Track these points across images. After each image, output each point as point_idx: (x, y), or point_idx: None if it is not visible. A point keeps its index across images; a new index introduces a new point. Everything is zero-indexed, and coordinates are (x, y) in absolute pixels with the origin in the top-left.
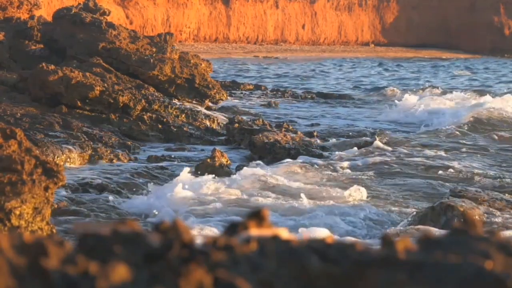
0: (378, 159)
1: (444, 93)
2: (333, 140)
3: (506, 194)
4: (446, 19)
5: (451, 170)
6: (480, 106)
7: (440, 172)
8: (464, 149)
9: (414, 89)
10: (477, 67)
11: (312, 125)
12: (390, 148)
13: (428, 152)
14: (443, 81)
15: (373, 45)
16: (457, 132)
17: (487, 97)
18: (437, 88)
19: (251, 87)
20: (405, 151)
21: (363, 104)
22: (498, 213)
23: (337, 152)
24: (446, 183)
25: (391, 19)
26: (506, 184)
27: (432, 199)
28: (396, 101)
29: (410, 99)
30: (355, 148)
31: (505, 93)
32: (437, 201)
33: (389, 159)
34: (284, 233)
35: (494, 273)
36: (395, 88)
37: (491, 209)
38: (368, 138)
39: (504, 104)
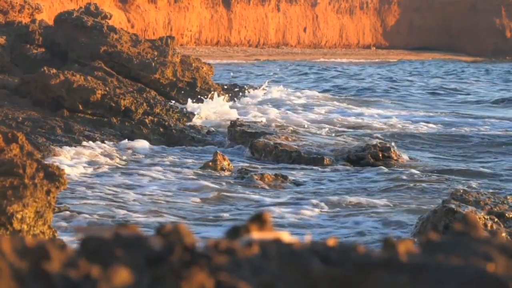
0: None
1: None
2: None
3: (508, 197)
4: (448, 21)
5: None
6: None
7: None
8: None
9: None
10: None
11: None
12: None
13: None
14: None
15: (374, 48)
16: None
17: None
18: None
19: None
20: None
21: None
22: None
23: None
24: None
25: (393, 21)
26: None
27: None
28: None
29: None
30: None
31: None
32: (439, 205)
33: None
34: (286, 236)
35: (496, 275)
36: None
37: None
38: None
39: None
